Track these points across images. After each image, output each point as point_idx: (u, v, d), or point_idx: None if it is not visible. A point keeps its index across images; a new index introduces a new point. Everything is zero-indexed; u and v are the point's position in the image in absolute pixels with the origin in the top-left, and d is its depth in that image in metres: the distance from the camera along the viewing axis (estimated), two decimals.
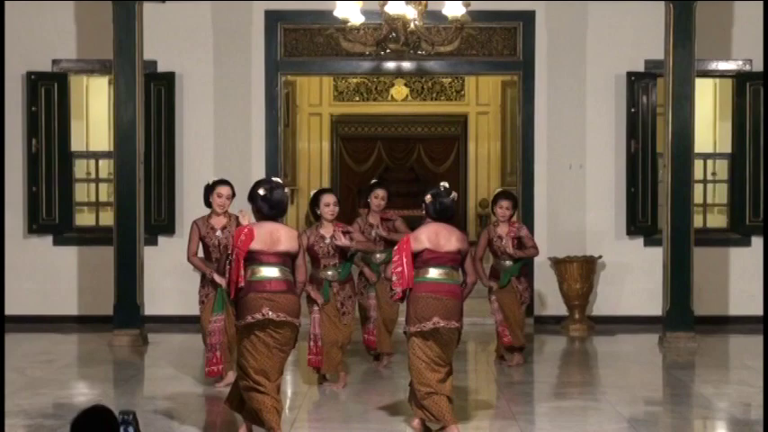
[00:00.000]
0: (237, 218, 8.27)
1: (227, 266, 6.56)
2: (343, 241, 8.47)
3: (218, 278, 8.22)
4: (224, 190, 8.61)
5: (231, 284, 6.52)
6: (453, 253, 6.90)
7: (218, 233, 8.53)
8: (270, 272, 6.51)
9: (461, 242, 6.94)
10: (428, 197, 7.07)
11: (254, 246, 6.48)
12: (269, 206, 6.62)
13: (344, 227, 8.65)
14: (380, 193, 9.42)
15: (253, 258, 6.49)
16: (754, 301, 11.28)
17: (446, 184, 7.20)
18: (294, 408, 7.82)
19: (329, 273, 8.52)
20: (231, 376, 8.53)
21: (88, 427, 3.45)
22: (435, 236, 6.92)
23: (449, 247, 6.89)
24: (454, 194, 7.09)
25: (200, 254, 8.64)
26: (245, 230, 6.52)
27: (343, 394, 8.34)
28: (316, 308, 8.51)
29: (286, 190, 6.81)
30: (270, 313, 6.42)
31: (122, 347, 10.40)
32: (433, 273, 6.88)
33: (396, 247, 6.99)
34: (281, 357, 6.56)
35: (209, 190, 8.63)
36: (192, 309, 9.20)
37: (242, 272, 6.47)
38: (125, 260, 10.64)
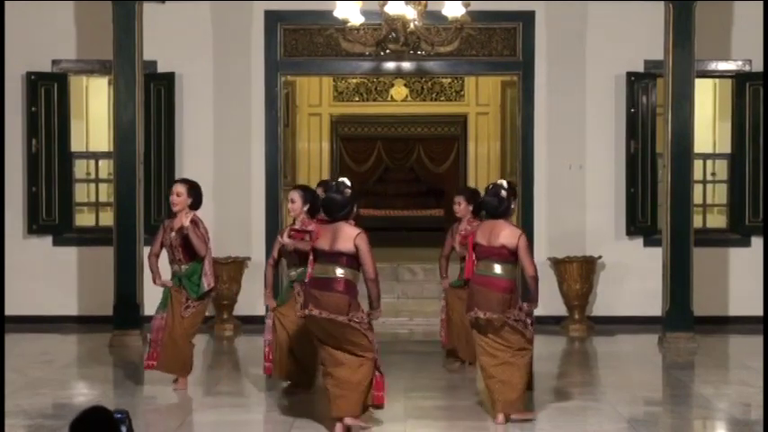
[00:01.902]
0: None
1: None
2: (283, 239, 8.11)
3: (159, 282, 8.35)
4: (175, 188, 8.35)
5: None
6: (497, 248, 7.23)
7: (172, 234, 8.24)
8: (324, 270, 6.83)
9: (507, 238, 7.23)
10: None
11: (318, 245, 6.91)
12: (321, 208, 7.14)
13: (307, 225, 8.10)
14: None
15: (317, 256, 6.88)
16: (754, 301, 11.27)
17: (502, 182, 7.52)
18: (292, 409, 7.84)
19: (291, 273, 8.20)
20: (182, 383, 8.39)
21: (87, 428, 3.44)
22: (488, 231, 7.33)
23: (495, 242, 7.24)
24: (503, 191, 7.31)
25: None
26: (316, 231, 7.10)
27: None
28: (270, 313, 8.23)
29: (343, 193, 6.87)
30: (314, 311, 6.77)
31: (122, 347, 10.39)
32: (480, 266, 7.30)
33: None
34: (346, 356, 6.82)
35: None
36: None
37: (310, 269, 6.92)
38: (125, 260, 10.64)
